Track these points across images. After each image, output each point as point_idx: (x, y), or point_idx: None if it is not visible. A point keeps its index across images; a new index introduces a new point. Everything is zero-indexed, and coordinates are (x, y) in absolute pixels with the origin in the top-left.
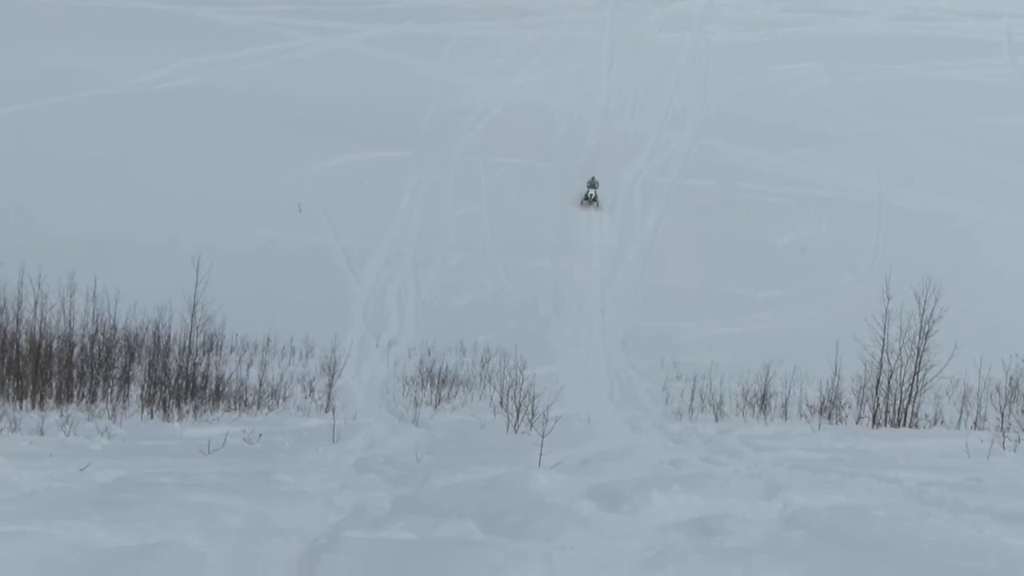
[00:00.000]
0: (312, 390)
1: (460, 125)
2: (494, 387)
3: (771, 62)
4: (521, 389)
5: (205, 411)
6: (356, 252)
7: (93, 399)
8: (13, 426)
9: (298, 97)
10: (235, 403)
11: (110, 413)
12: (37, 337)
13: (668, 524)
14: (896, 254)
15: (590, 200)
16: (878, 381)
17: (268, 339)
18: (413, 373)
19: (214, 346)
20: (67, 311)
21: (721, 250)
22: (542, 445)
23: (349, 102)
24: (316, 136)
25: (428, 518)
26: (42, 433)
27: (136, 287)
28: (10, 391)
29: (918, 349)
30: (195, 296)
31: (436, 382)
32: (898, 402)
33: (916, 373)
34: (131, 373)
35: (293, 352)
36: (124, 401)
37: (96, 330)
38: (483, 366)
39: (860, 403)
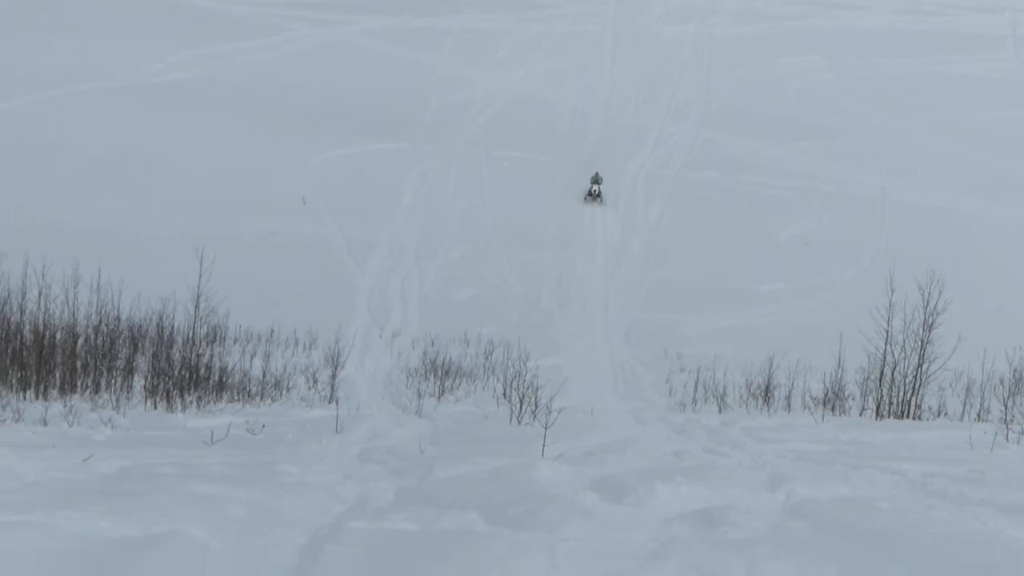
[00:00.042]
0: (316, 381)
1: (462, 118)
2: (497, 379)
3: (774, 55)
4: (524, 381)
5: (209, 402)
6: (359, 244)
7: (97, 390)
8: (17, 416)
9: (298, 89)
10: (238, 394)
11: (114, 404)
12: (41, 328)
13: (671, 515)
14: (898, 248)
15: (594, 196)
16: (882, 373)
17: (272, 330)
18: (416, 364)
19: (218, 337)
20: (71, 302)
21: (724, 243)
22: (545, 436)
23: (350, 94)
24: (317, 128)
25: (431, 509)
26: (46, 423)
27: (140, 278)
28: (14, 381)
29: (922, 341)
30: (199, 287)
31: (439, 373)
32: (902, 394)
33: (920, 365)
34: (135, 364)
35: (296, 343)
36: (128, 392)
37: (100, 321)
38: (486, 358)
39: (864, 395)
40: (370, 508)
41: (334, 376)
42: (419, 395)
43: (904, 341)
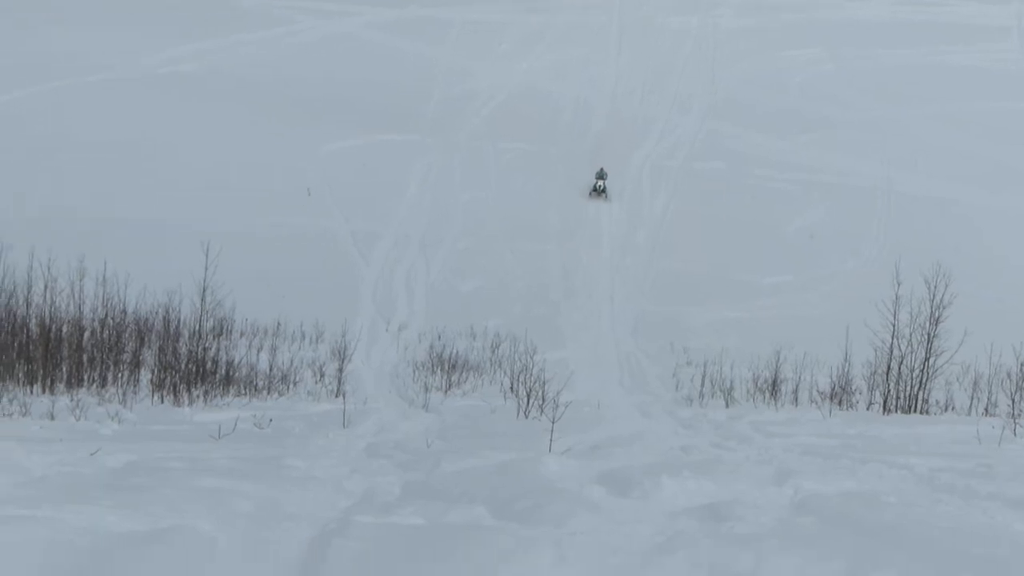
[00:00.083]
0: (322, 375)
1: (466, 110)
2: (504, 372)
3: (777, 47)
4: (531, 374)
5: (215, 396)
6: (364, 236)
7: (103, 384)
8: (23, 410)
9: (302, 80)
10: (245, 388)
11: (120, 398)
12: (47, 321)
13: (678, 510)
14: (901, 239)
15: (599, 192)
16: (888, 367)
17: (278, 324)
18: (423, 358)
19: (224, 331)
20: (77, 295)
21: (729, 235)
22: (552, 430)
23: (354, 85)
24: (321, 120)
25: (438, 503)
26: (52, 418)
27: (145, 271)
28: (20, 375)
29: (928, 335)
30: (204, 280)
31: (446, 367)
32: (909, 388)
33: (927, 359)
34: (141, 358)
35: (303, 337)
36: (134, 386)
37: (106, 314)
38: (493, 351)
39: (871, 389)
40: (377, 502)
41: (341, 370)
42: (426, 389)
43: (911, 335)
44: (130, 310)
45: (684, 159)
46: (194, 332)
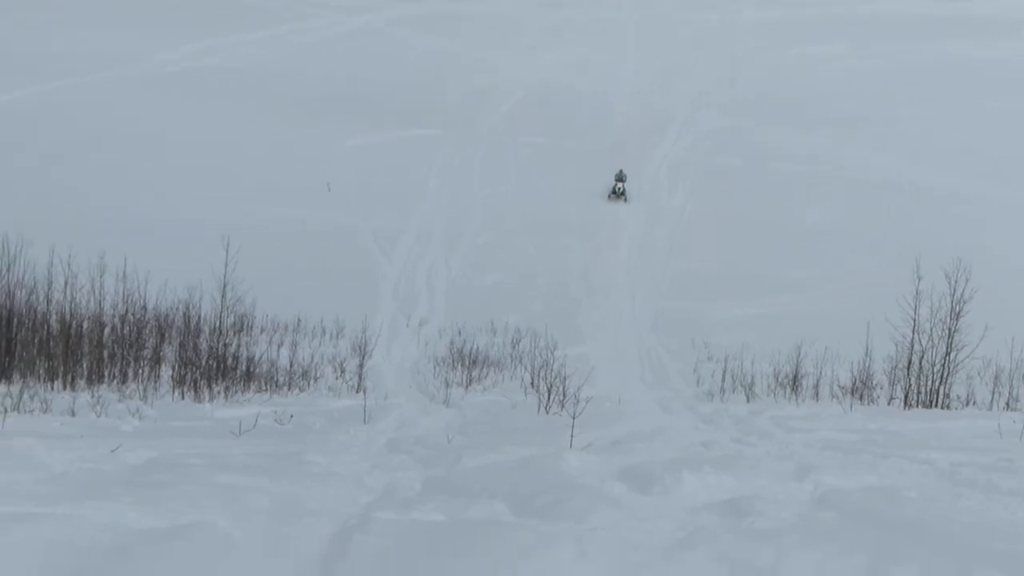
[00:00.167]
0: (343, 371)
1: (486, 105)
2: (525, 368)
3: (797, 42)
4: (552, 370)
5: (236, 392)
6: (384, 231)
7: (124, 380)
8: (44, 407)
9: (322, 76)
10: (266, 384)
11: (141, 394)
12: (68, 317)
13: (699, 505)
14: (921, 235)
15: (618, 194)
16: (909, 362)
17: (298, 319)
18: (444, 353)
19: (244, 327)
20: (97, 291)
21: (749, 230)
22: (573, 426)
23: (373, 81)
24: (341, 116)
25: (459, 499)
26: (73, 414)
27: (166, 267)
28: (41, 372)
29: (949, 330)
30: (225, 276)
31: (467, 362)
32: (930, 383)
33: (947, 354)
34: (162, 354)
35: (324, 332)
36: (155, 382)
37: (126, 310)
38: (514, 347)
39: (892, 384)
40: (398, 498)
41: (361, 365)
42: (447, 384)
43: (931, 329)
44: (150, 306)
45: (703, 154)
46: (214, 328)
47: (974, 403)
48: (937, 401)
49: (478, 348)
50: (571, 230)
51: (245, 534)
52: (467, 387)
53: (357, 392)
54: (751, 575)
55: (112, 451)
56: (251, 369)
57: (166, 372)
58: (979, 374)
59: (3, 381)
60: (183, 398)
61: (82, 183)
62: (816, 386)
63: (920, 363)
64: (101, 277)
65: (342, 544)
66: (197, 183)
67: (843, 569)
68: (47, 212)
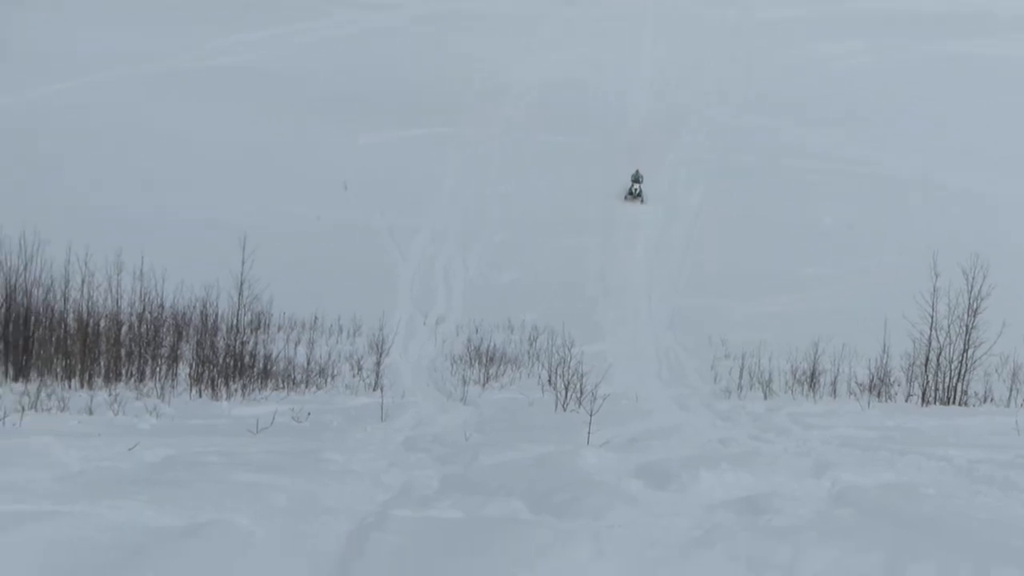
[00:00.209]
0: (360, 369)
1: (502, 103)
2: (542, 365)
3: (814, 39)
4: (569, 367)
5: (253, 390)
6: (401, 229)
7: (141, 378)
8: (62, 405)
9: (339, 74)
10: (283, 382)
11: (158, 392)
12: (85, 316)
13: (716, 502)
14: (938, 231)
15: (634, 195)
16: (927, 359)
17: (315, 317)
18: (461, 351)
19: (261, 324)
20: (114, 289)
21: (766, 227)
22: (590, 423)
23: (390, 79)
24: (359, 113)
25: (476, 497)
26: (91, 412)
27: (183, 265)
28: (59, 370)
29: (967, 327)
30: (242, 274)
31: (484, 360)
32: (947, 380)
33: (965, 351)
34: (179, 352)
35: (341, 330)
36: (172, 380)
37: (144, 309)
38: (531, 344)
39: (909, 381)
40: (415, 496)
41: (378, 363)
42: (464, 382)
43: (949, 326)
44: (168, 304)
45: (720, 152)
46: (232, 326)
47: (992, 400)
48: (955, 398)
49: (495, 346)
50: (588, 228)
51: (262, 532)
52: (484, 385)
53: (374, 390)
54: (768, 572)
55: (129, 449)
56: (268, 367)
57: (183, 370)
58: (997, 371)
59: (21, 379)
60: (200, 396)
61: (99, 181)
62: (833, 383)
63: (938, 360)
64: (118, 275)
65: (359, 542)
66: (214, 181)
67: (860, 566)
68: (64, 210)
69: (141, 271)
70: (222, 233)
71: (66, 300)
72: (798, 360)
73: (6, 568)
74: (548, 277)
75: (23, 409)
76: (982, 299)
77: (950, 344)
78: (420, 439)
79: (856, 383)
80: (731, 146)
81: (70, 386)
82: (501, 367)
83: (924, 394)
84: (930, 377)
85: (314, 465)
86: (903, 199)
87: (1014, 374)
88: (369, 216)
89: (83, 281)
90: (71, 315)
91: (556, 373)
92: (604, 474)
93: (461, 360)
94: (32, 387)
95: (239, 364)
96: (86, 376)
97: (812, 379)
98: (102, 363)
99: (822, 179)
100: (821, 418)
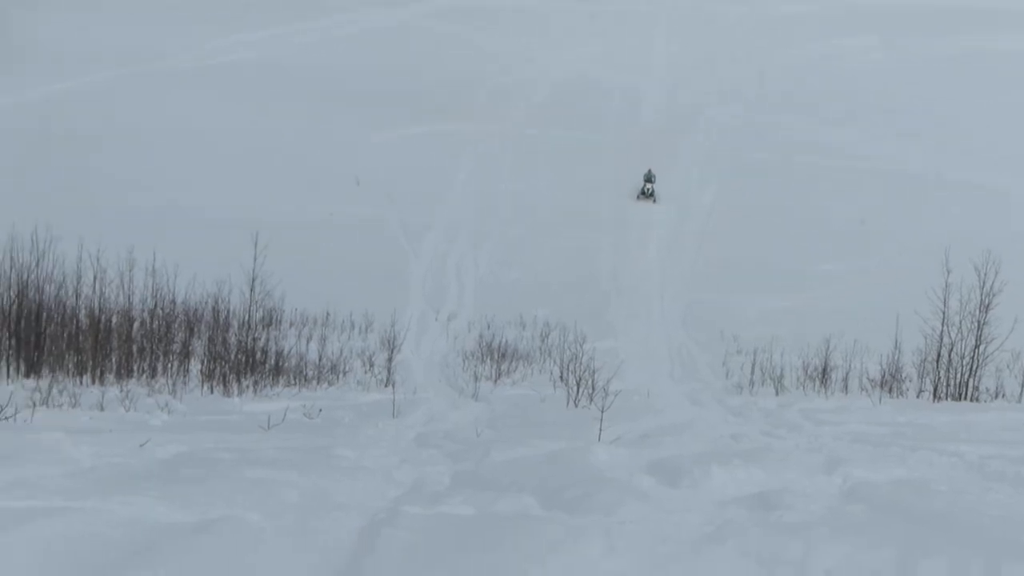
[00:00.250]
0: (372, 365)
1: (516, 98)
2: (554, 361)
3: (827, 35)
4: (581, 364)
5: (265, 386)
6: (413, 225)
7: (153, 374)
8: (73, 401)
9: (352, 70)
10: (295, 378)
11: (170, 388)
12: (97, 312)
13: (728, 498)
14: (950, 227)
15: (646, 195)
16: (939, 355)
17: (327, 313)
18: (472, 347)
19: (273, 320)
20: (126, 285)
21: (778, 223)
22: (602, 419)
23: (405, 75)
24: (372, 109)
25: (488, 493)
26: (102, 408)
27: (195, 261)
28: (70, 366)
29: (978, 322)
30: (254, 270)
31: (496, 356)
32: (959, 376)
33: (977, 346)
34: (191, 348)
35: (352, 327)
36: (184, 376)
37: (155, 304)
38: (543, 340)
39: (921, 377)
40: (426, 492)
41: (390, 359)
42: (475, 378)
43: (960, 322)
44: (179, 300)
45: (732, 149)
46: (244, 322)
47: (1003, 396)
48: (966, 394)
49: (507, 342)
50: (600, 225)
51: (274, 528)
52: (496, 381)
53: (386, 386)
54: (780, 568)
55: (141, 445)
56: (280, 363)
57: (195, 366)
58: (1008, 367)
59: (32, 375)
60: (212, 392)
61: (112, 177)
62: (845, 379)
63: (949, 356)
64: (130, 271)
65: (371, 538)
66: (226, 177)
67: (872, 562)
68: (76, 207)
69: (153, 267)
70: (234, 229)
71: (78, 296)
72: (810, 356)
73: (18, 563)
74: (560, 274)
75: (35, 405)
76: (994, 295)
77: (962, 340)
78: (432, 435)
79: (868, 379)
80: (743, 143)
81: (82, 382)
82: (513, 363)
83: (936, 390)
84: (942, 373)
85: (325, 461)
86: (915, 195)
87: None
88: (381, 213)
89: (95, 277)
90: (83, 311)
91: (568, 369)
92: (616, 470)
93: (473, 356)
94: (44, 383)
95: (251, 360)
96: (98, 372)
97: (824, 375)
98: (114, 359)
99: (834, 176)
100: (833, 414)
